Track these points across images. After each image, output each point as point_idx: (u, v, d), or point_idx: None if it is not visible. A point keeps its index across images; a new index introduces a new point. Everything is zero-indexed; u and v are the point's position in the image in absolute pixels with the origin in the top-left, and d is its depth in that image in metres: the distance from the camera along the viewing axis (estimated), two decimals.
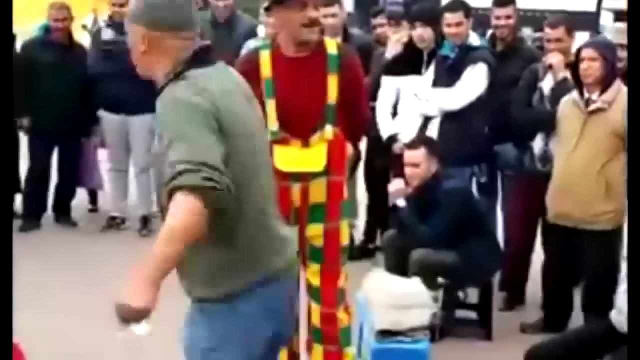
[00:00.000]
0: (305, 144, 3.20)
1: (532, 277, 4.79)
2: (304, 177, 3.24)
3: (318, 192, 3.25)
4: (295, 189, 3.25)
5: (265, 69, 3.22)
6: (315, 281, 3.34)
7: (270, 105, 3.20)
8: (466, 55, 4.61)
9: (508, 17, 4.89)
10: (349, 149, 3.36)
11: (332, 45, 3.28)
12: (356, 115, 3.35)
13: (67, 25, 6.12)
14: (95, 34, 6.19)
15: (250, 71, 3.04)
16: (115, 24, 5.96)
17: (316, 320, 3.36)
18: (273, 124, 3.19)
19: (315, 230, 3.30)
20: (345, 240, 3.37)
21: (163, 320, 2.11)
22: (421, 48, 4.90)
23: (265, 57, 3.24)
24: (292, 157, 3.23)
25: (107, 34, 6.00)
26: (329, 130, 3.19)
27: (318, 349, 3.37)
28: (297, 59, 3.22)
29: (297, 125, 3.20)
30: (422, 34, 4.85)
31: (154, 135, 6.18)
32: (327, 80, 3.19)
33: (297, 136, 3.21)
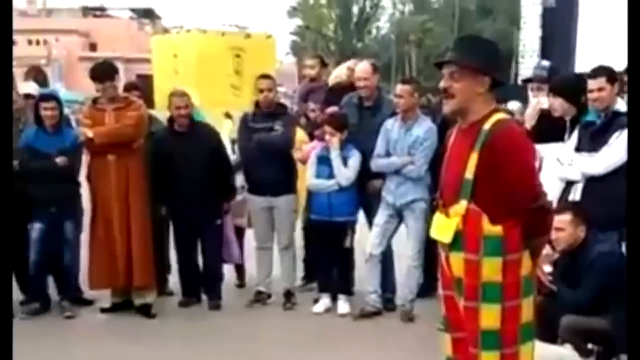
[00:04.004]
0: (447, 214, 3.24)
1: None
2: (444, 247, 3.28)
3: (457, 266, 3.22)
4: (442, 256, 3.31)
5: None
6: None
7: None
8: (613, 121, 4.59)
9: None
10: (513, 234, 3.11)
11: (492, 120, 3.15)
12: (501, 196, 3.08)
13: (188, 112, 6.16)
14: (243, 121, 6.30)
15: None
16: (261, 111, 6.15)
17: None
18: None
19: (460, 303, 3.26)
20: (488, 324, 3.12)
21: None
22: (557, 116, 4.93)
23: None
24: (436, 225, 3.33)
25: (254, 121, 6.14)
26: (462, 204, 3.14)
27: None
28: (461, 129, 3.28)
29: (444, 195, 3.29)
30: (553, 103, 4.92)
31: (296, 214, 6.43)
32: (470, 155, 3.13)
33: (444, 205, 3.27)
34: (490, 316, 3.11)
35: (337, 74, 7.08)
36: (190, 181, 6.10)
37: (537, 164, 4.91)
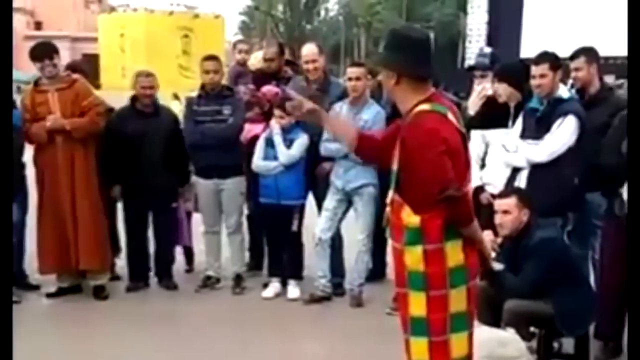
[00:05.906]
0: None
1: None
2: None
3: (392, 253, 3.30)
4: None
5: None
6: None
7: None
8: (555, 108, 4.67)
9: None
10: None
11: (414, 112, 3.13)
12: (414, 187, 3.10)
13: (153, 93, 6.20)
14: (188, 105, 6.27)
15: None
16: (207, 94, 6.13)
17: None
18: None
19: None
20: (415, 311, 3.16)
21: None
22: (502, 102, 5.02)
23: None
24: None
25: (200, 105, 6.11)
26: (390, 194, 3.23)
27: None
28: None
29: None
30: (497, 88, 5.00)
31: (244, 197, 6.41)
32: (396, 145, 3.19)
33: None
34: (416, 304, 3.15)
35: (252, 63, 7.07)
36: (149, 162, 6.08)
37: (476, 153, 5.01)
